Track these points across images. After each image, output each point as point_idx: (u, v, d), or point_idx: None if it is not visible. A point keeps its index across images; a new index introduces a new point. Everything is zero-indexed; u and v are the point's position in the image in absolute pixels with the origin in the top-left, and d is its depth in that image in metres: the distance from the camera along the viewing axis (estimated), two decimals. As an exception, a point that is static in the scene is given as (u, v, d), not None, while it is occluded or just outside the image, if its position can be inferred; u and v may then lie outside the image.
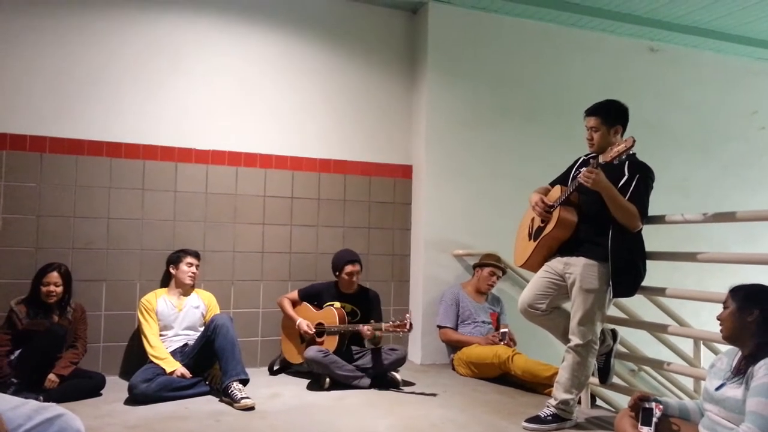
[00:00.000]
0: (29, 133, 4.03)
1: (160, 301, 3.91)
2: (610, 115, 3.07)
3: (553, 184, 3.32)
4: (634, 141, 2.76)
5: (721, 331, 2.32)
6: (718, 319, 2.34)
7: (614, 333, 3.26)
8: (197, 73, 4.44)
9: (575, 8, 5.04)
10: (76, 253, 4.08)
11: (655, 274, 3.14)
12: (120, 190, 4.22)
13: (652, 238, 3.15)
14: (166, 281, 4.12)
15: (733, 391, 2.17)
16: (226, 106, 4.51)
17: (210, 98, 4.46)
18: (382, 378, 3.93)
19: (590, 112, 3.12)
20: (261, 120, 4.61)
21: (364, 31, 4.92)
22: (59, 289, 3.61)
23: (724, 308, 2.32)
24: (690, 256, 3.25)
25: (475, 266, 4.70)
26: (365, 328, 3.88)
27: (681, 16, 5.26)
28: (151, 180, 4.30)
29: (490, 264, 4.57)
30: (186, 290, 4.01)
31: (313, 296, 4.27)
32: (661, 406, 2.33)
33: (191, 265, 4.00)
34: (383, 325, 3.84)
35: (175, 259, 4.03)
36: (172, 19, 4.39)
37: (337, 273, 4.21)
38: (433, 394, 3.74)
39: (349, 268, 4.15)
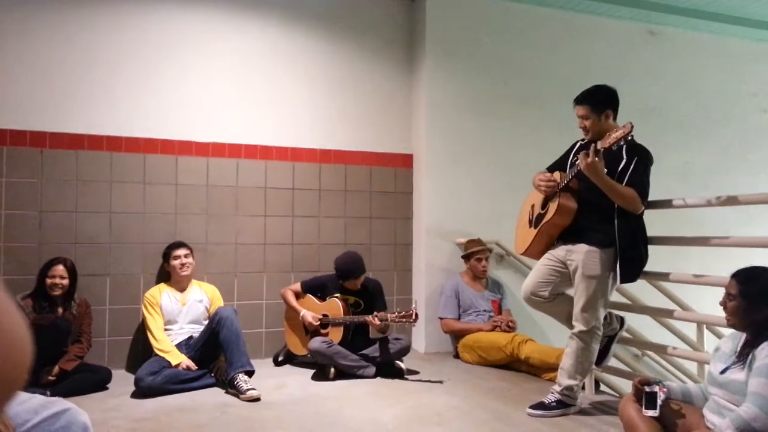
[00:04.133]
0: (29, 128, 4.02)
1: (164, 295, 3.92)
2: (599, 101, 3.03)
3: (550, 169, 3.29)
4: (632, 127, 2.72)
5: (727, 320, 2.28)
6: (722, 306, 2.29)
7: (622, 320, 3.26)
8: (196, 65, 4.42)
9: (574, -7, 5.02)
10: (79, 248, 4.09)
11: (657, 259, 3.14)
12: (121, 184, 4.22)
13: (654, 223, 3.14)
14: (165, 277, 4.13)
15: (737, 374, 2.17)
16: (226, 98, 4.50)
17: (209, 90, 4.45)
18: (387, 367, 3.94)
19: (578, 100, 3.08)
20: (260, 111, 4.60)
21: (363, 19, 4.89)
22: (65, 282, 3.61)
23: (729, 296, 2.26)
24: (695, 240, 3.25)
25: (462, 257, 4.68)
26: (374, 319, 3.84)
27: (681, -2, 5.23)
28: (152, 173, 4.29)
29: (473, 252, 4.56)
30: (185, 282, 4.02)
31: (317, 288, 4.25)
32: (665, 389, 2.33)
33: (178, 257, 3.98)
34: (389, 316, 3.83)
35: (165, 255, 4.04)
36: (170, 12, 4.37)
37: (340, 281, 4.17)
38: (438, 382, 3.76)
39: (350, 283, 4.13)
